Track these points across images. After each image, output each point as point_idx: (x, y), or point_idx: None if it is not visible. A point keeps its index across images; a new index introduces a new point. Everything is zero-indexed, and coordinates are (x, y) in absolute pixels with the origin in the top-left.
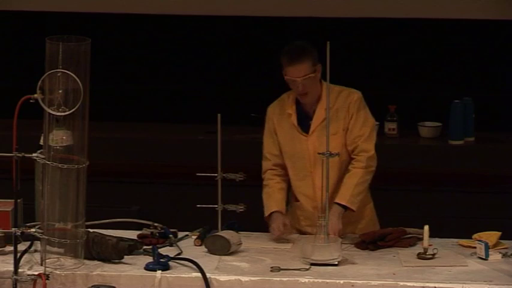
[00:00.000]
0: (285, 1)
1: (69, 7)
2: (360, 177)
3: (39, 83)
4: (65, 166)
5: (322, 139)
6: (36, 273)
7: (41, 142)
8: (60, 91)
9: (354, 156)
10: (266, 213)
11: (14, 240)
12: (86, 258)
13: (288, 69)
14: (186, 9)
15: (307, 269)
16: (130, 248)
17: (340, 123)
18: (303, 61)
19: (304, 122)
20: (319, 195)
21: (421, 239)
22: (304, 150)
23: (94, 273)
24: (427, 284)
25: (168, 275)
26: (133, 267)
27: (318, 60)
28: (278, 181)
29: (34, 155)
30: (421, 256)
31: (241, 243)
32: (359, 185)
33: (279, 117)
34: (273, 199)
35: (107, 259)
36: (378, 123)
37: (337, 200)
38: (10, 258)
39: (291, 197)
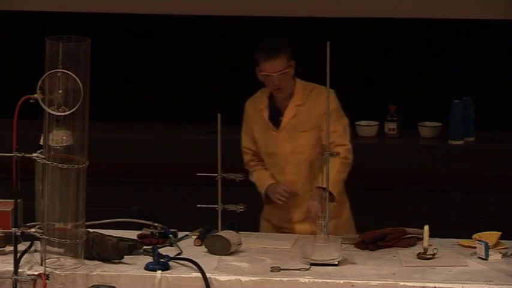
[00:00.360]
0: (285, 1)
1: (69, 7)
2: (339, 166)
3: (39, 83)
4: (65, 166)
5: (293, 135)
6: (36, 273)
7: (41, 142)
8: (60, 91)
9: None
10: (263, 189)
11: (14, 240)
12: (86, 258)
13: (264, 64)
14: (186, 9)
15: (307, 269)
16: (131, 248)
17: (311, 121)
18: (279, 56)
19: (275, 118)
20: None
21: (421, 239)
22: (275, 146)
23: (94, 273)
24: (427, 284)
25: (168, 275)
26: (133, 267)
27: (292, 56)
28: (263, 165)
29: (34, 155)
30: (421, 256)
31: (241, 243)
32: (339, 174)
33: (254, 113)
34: (265, 176)
35: (107, 259)
36: (377, 123)
37: (319, 185)
38: (10, 258)
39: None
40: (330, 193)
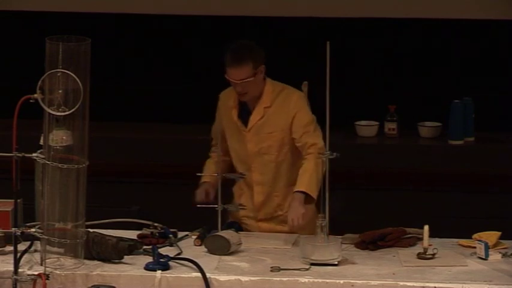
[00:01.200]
0: (285, 1)
1: (69, 7)
2: (314, 167)
3: (39, 83)
4: (65, 166)
5: (260, 136)
6: (36, 273)
7: (41, 142)
8: (60, 91)
9: (304, 151)
10: (201, 181)
11: (14, 240)
12: (86, 258)
13: (229, 70)
14: (186, 9)
15: (307, 269)
16: (130, 248)
17: (279, 123)
18: (243, 65)
19: (245, 116)
20: (256, 190)
21: (421, 239)
22: (243, 145)
23: (94, 273)
24: (427, 284)
25: (168, 275)
26: (133, 267)
27: (261, 61)
28: (218, 155)
29: (34, 155)
30: (421, 256)
31: (241, 243)
32: (314, 174)
33: (225, 108)
34: (208, 170)
35: (106, 259)
36: (377, 123)
37: (296, 189)
38: (10, 258)
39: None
40: (310, 195)
